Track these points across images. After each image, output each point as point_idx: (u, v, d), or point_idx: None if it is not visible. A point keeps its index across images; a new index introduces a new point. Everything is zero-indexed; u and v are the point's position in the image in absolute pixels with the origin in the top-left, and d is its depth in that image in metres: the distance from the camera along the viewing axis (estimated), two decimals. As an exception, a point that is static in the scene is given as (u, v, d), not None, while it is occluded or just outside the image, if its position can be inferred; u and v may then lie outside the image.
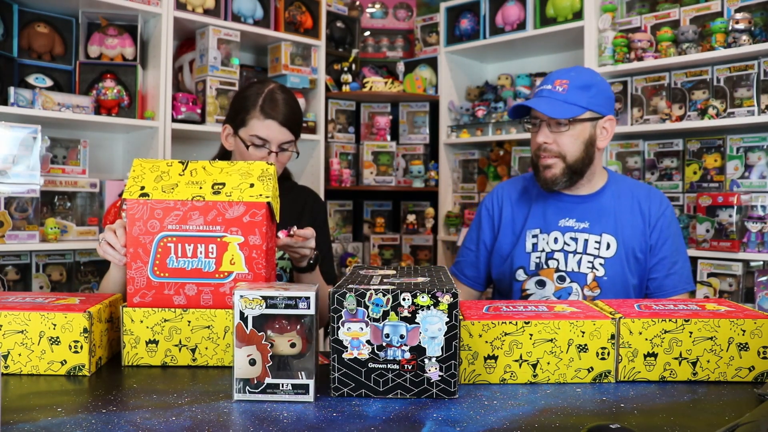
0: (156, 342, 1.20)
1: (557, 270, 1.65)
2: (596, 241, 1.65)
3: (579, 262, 1.64)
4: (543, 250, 1.68)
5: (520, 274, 1.69)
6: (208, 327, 1.20)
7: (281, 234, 1.41)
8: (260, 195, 1.22)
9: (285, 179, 1.85)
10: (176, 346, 1.20)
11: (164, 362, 1.20)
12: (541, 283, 1.67)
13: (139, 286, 1.21)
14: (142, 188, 1.22)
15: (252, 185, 1.24)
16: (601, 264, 1.63)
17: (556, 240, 1.67)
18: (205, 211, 1.21)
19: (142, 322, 1.20)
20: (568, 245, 1.66)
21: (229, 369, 1.19)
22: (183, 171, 1.27)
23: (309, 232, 1.44)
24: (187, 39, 2.93)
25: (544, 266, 1.67)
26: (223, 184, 1.24)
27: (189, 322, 1.20)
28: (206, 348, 1.20)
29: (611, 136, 1.67)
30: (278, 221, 1.67)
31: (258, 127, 1.62)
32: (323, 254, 1.74)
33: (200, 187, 1.23)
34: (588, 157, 1.64)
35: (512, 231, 1.75)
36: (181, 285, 1.21)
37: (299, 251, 1.46)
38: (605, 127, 1.66)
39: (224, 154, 1.78)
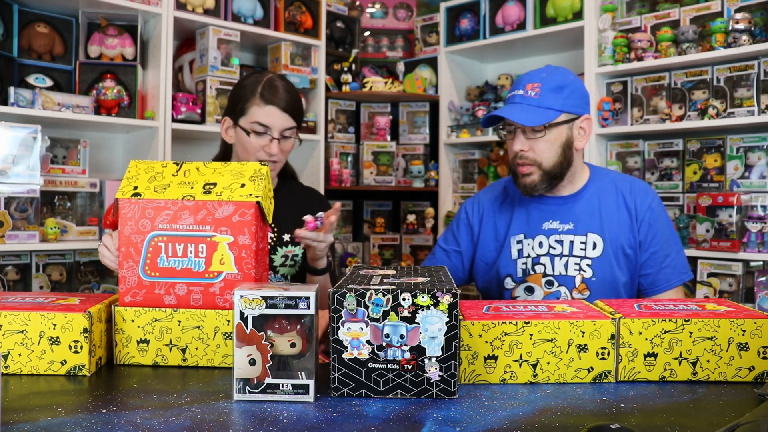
0: (147, 341, 1.20)
1: (545, 275, 1.63)
2: (582, 242, 1.62)
3: (566, 265, 1.61)
4: (529, 256, 1.64)
5: (509, 282, 1.67)
6: (198, 327, 1.20)
7: (308, 224, 1.40)
8: (250, 195, 1.22)
9: (290, 179, 1.83)
10: (167, 345, 1.20)
11: (155, 362, 1.20)
12: (529, 290, 1.64)
13: (130, 285, 1.22)
14: (135, 188, 1.23)
15: (243, 185, 1.24)
16: (588, 265, 1.60)
17: (540, 244, 1.64)
18: (195, 211, 1.21)
19: (133, 321, 1.20)
20: (554, 248, 1.63)
21: (219, 369, 1.19)
22: (177, 172, 1.28)
23: (334, 217, 1.43)
24: (187, 39, 2.93)
25: (531, 272, 1.64)
26: (215, 184, 1.25)
27: (179, 322, 1.20)
28: (196, 348, 1.20)
29: (589, 135, 1.63)
30: (284, 221, 1.67)
31: (258, 113, 1.60)
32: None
33: (191, 187, 1.24)
34: (566, 160, 1.60)
35: (495, 238, 1.72)
36: (171, 285, 1.22)
37: (320, 245, 1.45)
38: (582, 127, 1.62)
39: (225, 153, 1.76)
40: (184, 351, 1.20)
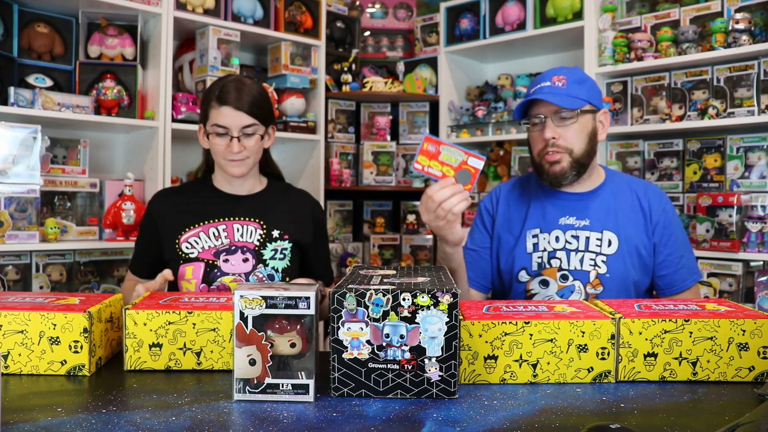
0: (160, 345, 1.16)
1: (560, 269, 1.65)
2: (597, 239, 1.64)
3: (581, 260, 1.64)
4: (545, 250, 1.67)
5: (523, 275, 1.69)
6: (214, 330, 1.17)
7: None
8: None
9: (277, 179, 1.86)
10: (180, 349, 1.17)
11: (168, 366, 1.17)
12: (544, 283, 1.66)
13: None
14: None
15: None
16: (603, 261, 1.63)
17: (557, 239, 1.67)
18: None
19: (145, 324, 1.16)
20: (570, 243, 1.65)
21: (228, 372, 1.19)
22: None
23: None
24: (187, 39, 2.93)
25: (547, 266, 1.66)
26: None
27: (194, 324, 1.16)
28: (211, 351, 1.17)
29: (607, 129, 1.70)
30: (273, 219, 1.71)
31: (216, 115, 1.65)
32: (322, 257, 1.83)
33: None
34: (592, 149, 1.65)
35: (510, 231, 1.74)
36: (196, 294, 1.25)
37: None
38: (602, 121, 1.68)
39: (207, 159, 1.82)
40: (198, 354, 1.17)
